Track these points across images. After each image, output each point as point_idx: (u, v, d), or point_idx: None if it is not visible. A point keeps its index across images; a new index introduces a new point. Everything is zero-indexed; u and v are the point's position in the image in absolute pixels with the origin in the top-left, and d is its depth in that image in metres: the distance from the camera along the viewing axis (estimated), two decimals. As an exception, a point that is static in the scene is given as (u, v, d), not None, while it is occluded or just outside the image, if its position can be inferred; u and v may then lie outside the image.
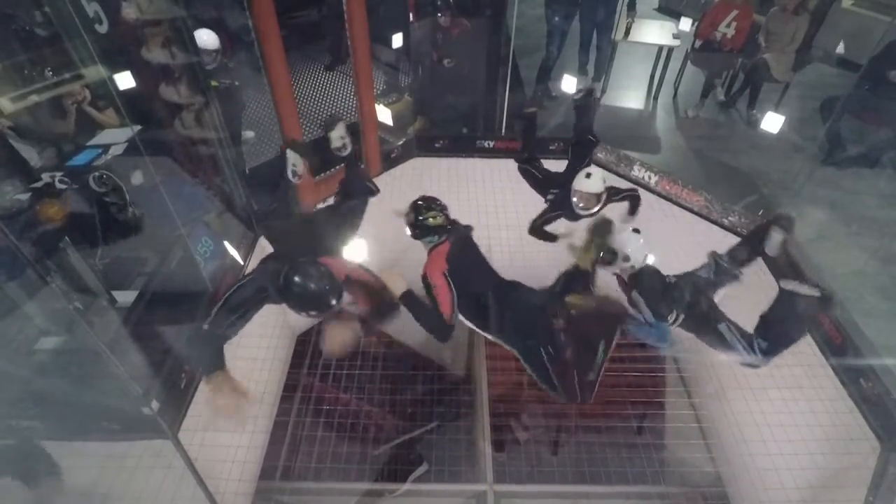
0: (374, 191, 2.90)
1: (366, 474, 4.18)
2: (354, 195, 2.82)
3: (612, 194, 3.22)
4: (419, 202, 2.64)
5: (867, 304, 3.46)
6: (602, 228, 2.74)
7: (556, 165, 3.63)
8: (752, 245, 2.78)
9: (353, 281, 2.28)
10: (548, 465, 4.23)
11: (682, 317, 2.68)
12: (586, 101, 3.26)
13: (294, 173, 2.77)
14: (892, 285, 3.59)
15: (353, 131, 4.64)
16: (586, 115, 3.32)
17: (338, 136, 2.62)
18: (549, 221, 3.36)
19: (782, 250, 2.69)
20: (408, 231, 2.66)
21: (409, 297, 2.36)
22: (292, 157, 2.74)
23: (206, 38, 3.84)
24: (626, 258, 2.65)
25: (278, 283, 2.00)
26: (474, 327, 2.65)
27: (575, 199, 3.08)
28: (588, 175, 3.01)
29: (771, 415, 3.56)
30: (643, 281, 2.67)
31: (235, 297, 2.07)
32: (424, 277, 2.48)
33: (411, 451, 4.38)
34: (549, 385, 2.51)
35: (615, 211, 3.20)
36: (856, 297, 3.47)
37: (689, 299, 2.67)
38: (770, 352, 2.57)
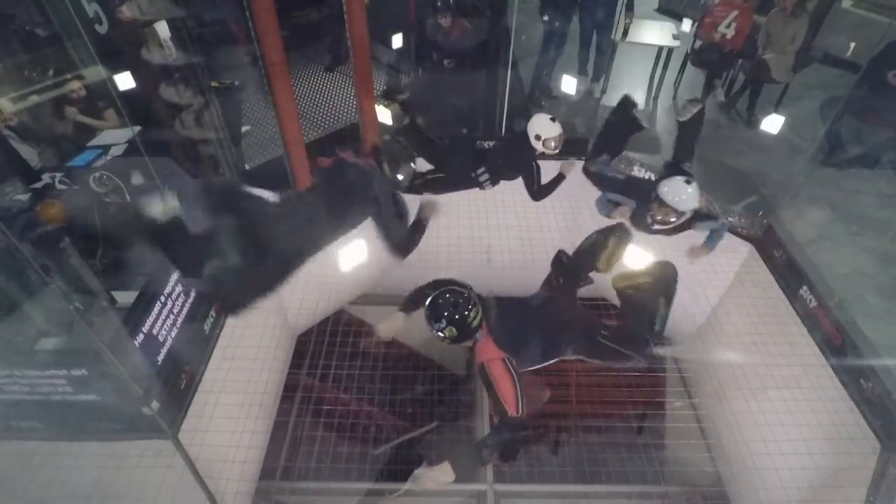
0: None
1: (366, 474, 4.18)
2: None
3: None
4: (458, 302, 2.17)
5: (867, 304, 3.45)
6: (624, 238, 2.89)
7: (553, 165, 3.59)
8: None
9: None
10: (548, 465, 4.22)
11: None
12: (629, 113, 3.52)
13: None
14: (892, 285, 3.58)
15: (353, 131, 4.66)
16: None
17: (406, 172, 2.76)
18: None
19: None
20: (446, 339, 2.21)
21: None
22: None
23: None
24: (663, 202, 2.72)
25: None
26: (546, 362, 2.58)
27: (540, 146, 3.33)
28: (553, 119, 3.33)
29: (771, 415, 3.56)
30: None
31: None
32: (482, 368, 2.23)
33: (411, 451, 4.38)
34: (624, 358, 2.59)
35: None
36: (856, 298, 3.47)
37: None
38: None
